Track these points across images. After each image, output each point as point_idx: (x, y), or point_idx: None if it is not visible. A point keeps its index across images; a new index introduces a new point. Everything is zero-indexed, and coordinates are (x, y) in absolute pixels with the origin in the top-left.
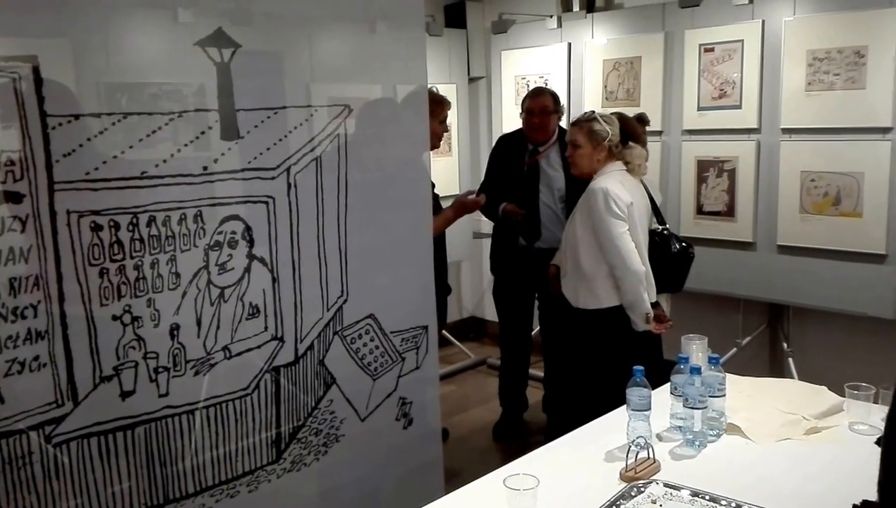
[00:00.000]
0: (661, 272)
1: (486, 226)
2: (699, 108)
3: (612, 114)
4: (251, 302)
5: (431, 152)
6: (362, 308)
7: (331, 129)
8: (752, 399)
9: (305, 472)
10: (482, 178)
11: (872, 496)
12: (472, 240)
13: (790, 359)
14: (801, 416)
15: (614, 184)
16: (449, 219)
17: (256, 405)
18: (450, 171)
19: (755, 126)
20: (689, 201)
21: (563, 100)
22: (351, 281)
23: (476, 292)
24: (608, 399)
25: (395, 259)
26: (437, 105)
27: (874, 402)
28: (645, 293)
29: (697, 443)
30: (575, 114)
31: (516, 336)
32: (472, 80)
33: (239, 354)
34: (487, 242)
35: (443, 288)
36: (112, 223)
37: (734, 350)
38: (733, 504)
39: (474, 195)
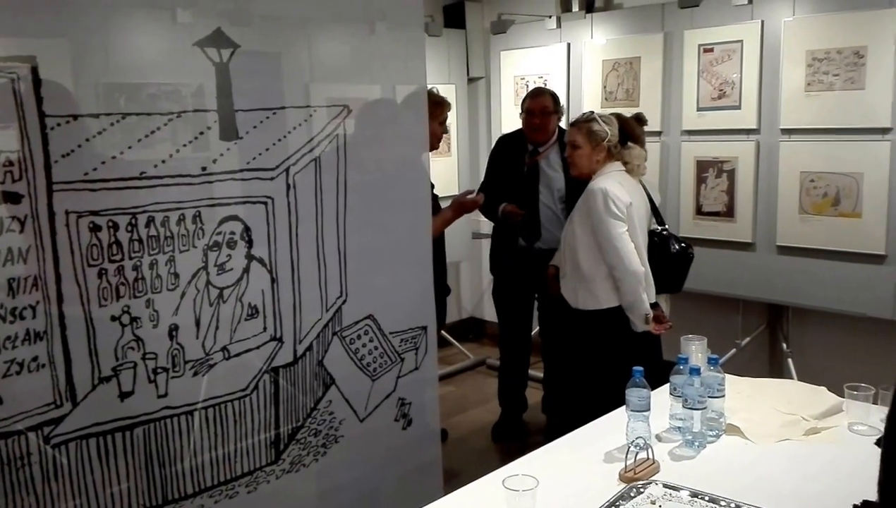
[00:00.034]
0: (661, 272)
1: (486, 226)
2: (698, 109)
3: (610, 114)
4: (250, 302)
5: (430, 153)
6: (361, 308)
7: (330, 130)
8: (751, 399)
9: (304, 473)
10: (481, 179)
11: (872, 496)
12: (471, 240)
13: (789, 360)
14: (800, 417)
15: (613, 185)
16: (448, 220)
17: (255, 406)
18: (449, 172)
19: (754, 126)
20: (688, 201)
21: (563, 101)
22: (350, 281)
23: (475, 293)
24: (607, 399)
25: (394, 259)
26: (437, 106)
27: (873, 403)
28: (644, 294)
29: (697, 444)
30: (574, 115)
31: (516, 336)
32: (471, 80)
33: (238, 355)
34: (486, 243)
35: (442, 289)
36: (111, 223)
37: (733, 350)
38: (733, 505)
39: (473, 194)
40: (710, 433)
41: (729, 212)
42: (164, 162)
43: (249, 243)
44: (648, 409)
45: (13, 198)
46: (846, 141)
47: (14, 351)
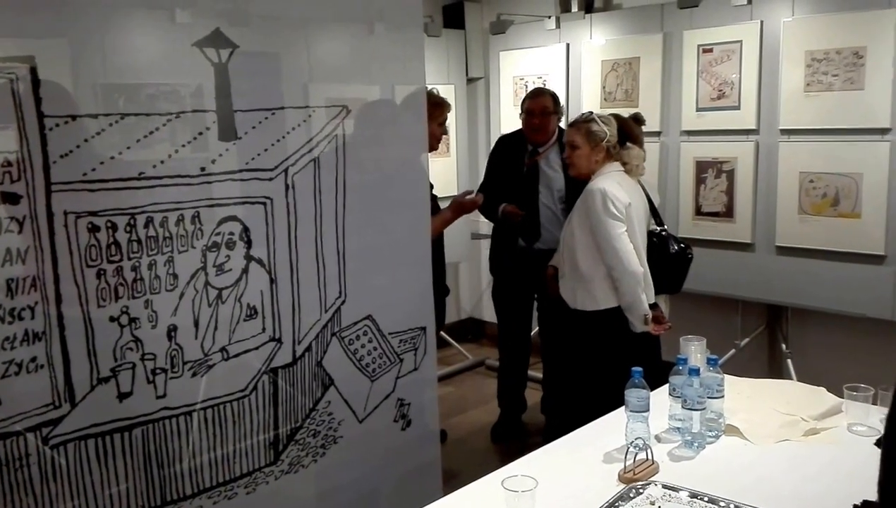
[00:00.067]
0: (660, 273)
1: (485, 226)
2: (698, 109)
3: (609, 115)
4: (249, 303)
5: (430, 153)
6: (360, 309)
7: (329, 130)
8: (750, 400)
9: (303, 474)
10: (480, 179)
11: (871, 497)
12: (470, 241)
13: (789, 360)
14: (799, 417)
15: (612, 185)
16: (447, 220)
17: (254, 406)
18: (448, 172)
19: (754, 127)
20: (687, 202)
21: (562, 101)
22: (349, 282)
23: (474, 293)
24: (607, 400)
25: (393, 260)
26: (437, 107)
27: (873, 403)
28: (643, 294)
29: (696, 445)
30: (573, 116)
31: (515, 337)
32: (470, 80)
33: (237, 355)
34: (485, 243)
35: (441, 290)
36: (109, 224)
37: (733, 351)
38: (732, 506)
39: (472, 195)
40: (710, 433)
41: (728, 213)
42: (162, 162)
43: (248, 244)
44: (647, 410)
45: (12, 199)
46: (845, 141)
47: (12, 352)
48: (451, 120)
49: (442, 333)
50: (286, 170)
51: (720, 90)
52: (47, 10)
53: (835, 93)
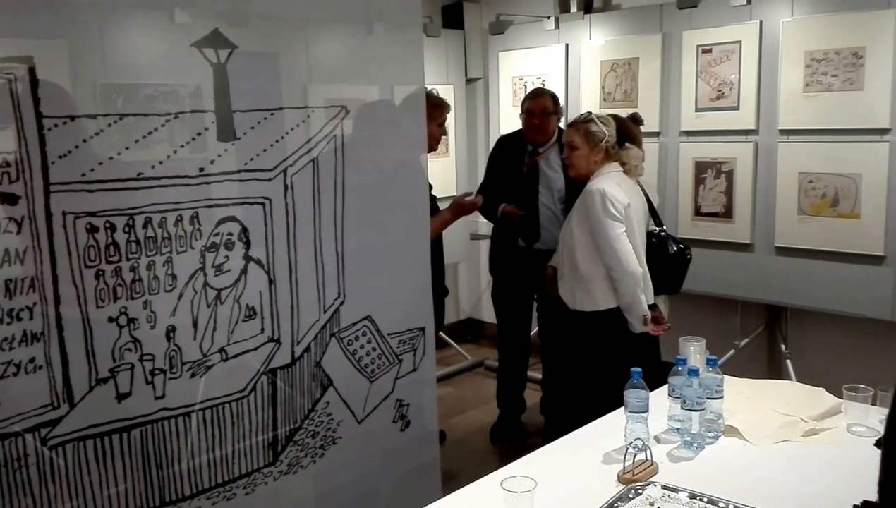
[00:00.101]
0: (658, 274)
1: (484, 227)
2: (697, 109)
3: (607, 115)
4: (248, 303)
5: (429, 154)
6: (359, 309)
7: (328, 131)
8: (749, 400)
9: (302, 474)
10: (480, 179)
11: (871, 497)
12: (469, 241)
13: (788, 361)
14: (799, 418)
15: (611, 186)
16: (446, 221)
17: (253, 407)
18: (447, 172)
19: (753, 127)
20: (686, 202)
21: (561, 102)
22: (348, 282)
23: (473, 294)
24: (606, 401)
25: (392, 260)
26: (436, 108)
27: (872, 404)
28: (642, 295)
29: (695, 445)
30: (572, 116)
31: (515, 337)
32: (469, 81)
33: (235, 356)
34: (484, 244)
35: (440, 290)
36: (108, 225)
37: (732, 351)
38: (731, 507)
39: (472, 197)
40: (709, 434)
41: (727, 213)
42: (161, 163)
43: (247, 244)
44: (647, 410)
45: (10, 199)
46: (845, 141)
47: (11, 353)
48: (450, 120)
49: (441, 334)
50: (285, 171)
51: (719, 90)
52: (46, 10)
53: (834, 94)
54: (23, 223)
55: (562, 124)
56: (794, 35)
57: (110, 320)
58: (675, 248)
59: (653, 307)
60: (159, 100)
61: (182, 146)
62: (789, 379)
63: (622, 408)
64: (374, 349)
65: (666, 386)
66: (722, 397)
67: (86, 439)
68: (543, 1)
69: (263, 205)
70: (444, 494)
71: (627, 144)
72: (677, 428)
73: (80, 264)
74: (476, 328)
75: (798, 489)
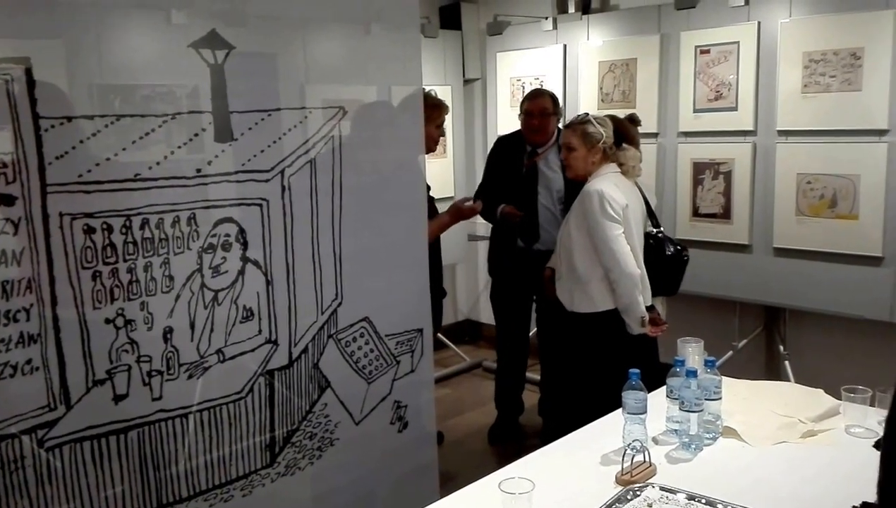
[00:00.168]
0: (656, 275)
1: (482, 228)
2: (695, 110)
3: (605, 116)
4: (245, 305)
5: (427, 155)
6: (357, 311)
7: (325, 131)
8: (748, 402)
9: (300, 476)
10: (477, 180)
11: (869, 499)
12: (467, 242)
13: (786, 362)
14: (797, 419)
15: (609, 187)
16: (445, 225)
17: (250, 409)
18: (445, 173)
19: (751, 128)
20: (684, 203)
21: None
22: (345, 284)
23: (471, 295)
24: (604, 402)
25: (389, 262)
26: (435, 109)
27: (871, 405)
28: (640, 296)
29: (693, 446)
30: (570, 117)
31: (513, 338)
32: (467, 81)
33: (233, 357)
34: (482, 245)
35: (438, 291)
36: (105, 226)
37: (730, 353)
38: None
39: (471, 202)
40: (707, 435)
41: (725, 214)
42: (158, 164)
43: (244, 245)
44: (645, 412)
45: (7, 201)
46: (843, 142)
47: (8, 354)
48: (448, 121)
49: (439, 335)
50: (282, 172)
51: (717, 91)
52: (43, 10)
53: (832, 95)
54: (19, 224)
55: (561, 125)
56: (793, 36)
57: (107, 321)
58: (672, 250)
59: (650, 308)
60: (156, 100)
61: (179, 147)
62: (787, 380)
63: (620, 410)
64: (371, 350)
65: (664, 388)
66: (720, 398)
67: (83, 440)
68: (541, 1)
69: (261, 206)
70: (442, 495)
71: (625, 145)
72: (675, 430)
73: (76, 265)
74: (474, 329)
75: (796, 490)
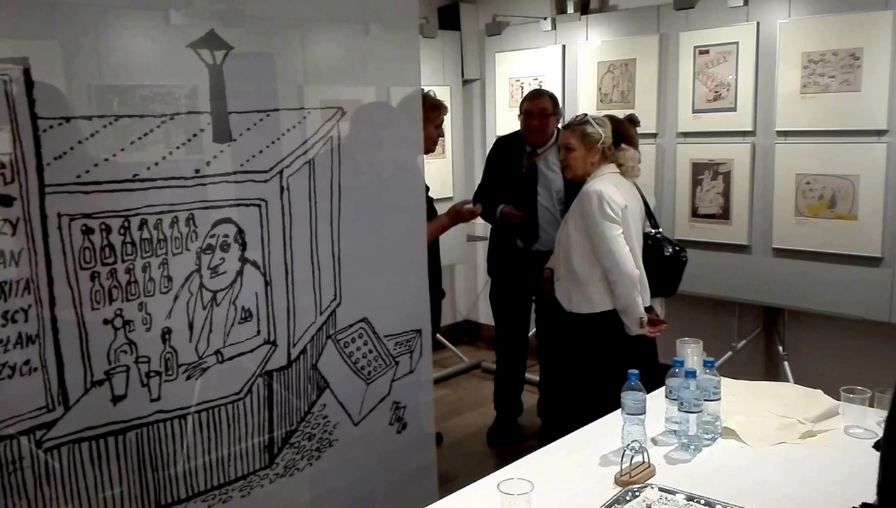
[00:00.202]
0: (654, 276)
1: (480, 229)
2: (694, 111)
3: (603, 116)
4: (243, 305)
5: (425, 155)
6: (356, 312)
7: (324, 132)
8: (747, 402)
9: (298, 477)
10: (476, 181)
11: (869, 500)
12: (465, 243)
13: (786, 363)
14: (796, 420)
15: (609, 187)
16: (444, 226)
17: (249, 409)
18: (443, 174)
19: (750, 128)
20: (683, 204)
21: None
22: (344, 284)
23: (470, 295)
24: (603, 403)
25: (388, 262)
26: (433, 110)
27: (870, 406)
28: (639, 297)
29: (692, 447)
30: (569, 117)
31: (512, 339)
32: (465, 82)
33: (231, 358)
34: (481, 245)
35: (437, 292)
36: (103, 226)
37: (729, 353)
38: None
39: (471, 205)
40: (706, 436)
41: (724, 215)
42: (157, 164)
43: (243, 246)
44: (644, 412)
45: (5, 201)
46: (842, 143)
47: (6, 355)
48: (446, 122)
49: (437, 336)
50: (281, 172)
51: (716, 92)
52: (41, 11)
53: (831, 95)
54: (18, 225)
55: (560, 125)
56: (792, 36)
57: (105, 322)
58: (671, 250)
59: (649, 309)
60: (155, 101)
61: (178, 147)
62: (786, 380)
63: (619, 410)
64: (370, 351)
65: (663, 388)
66: (719, 399)
67: (81, 441)
68: (540, 2)
69: (259, 206)
70: (441, 496)
71: (624, 145)
72: (674, 430)
73: (75, 266)
74: (473, 330)
75: (796, 491)
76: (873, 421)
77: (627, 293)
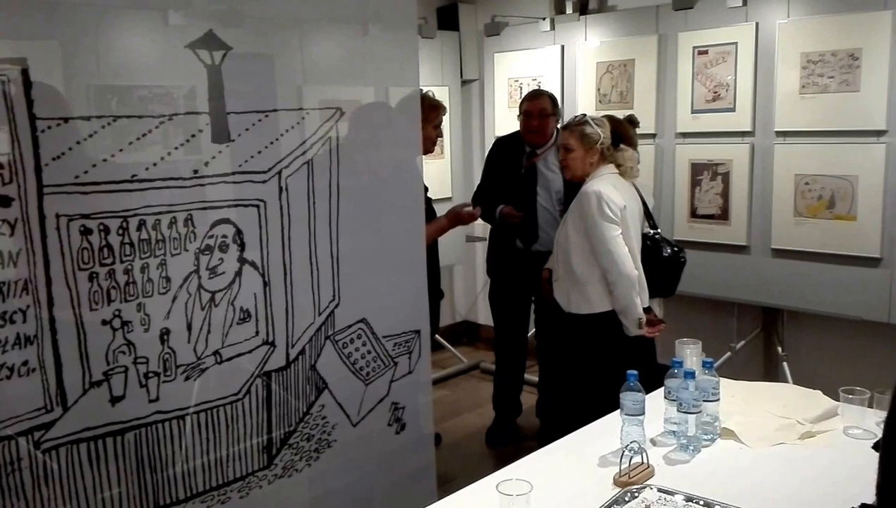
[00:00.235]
0: (653, 277)
1: (479, 229)
2: (693, 111)
3: (602, 116)
4: (242, 306)
5: (424, 156)
6: (354, 312)
7: (322, 132)
8: (746, 403)
9: (297, 478)
10: (475, 181)
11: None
12: (464, 243)
13: (784, 363)
14: (795, 420)
15: (608, 188)
16: (443, 228)
17: (247, 410)
18: (442, 174)
19: (749, 129)
20: (682, 204)
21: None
22: (343, 285)
23: (469, 296)
24: (602, 403)
25: (387, 263)
26: (433, 110)
27: (869, 406)
28: (637, 298)
29: (691, 448)
30: (568, 118)
31: (511, 339)
32: (464, 82)
33: (230, 359)
34: (480, 246)
35: (435, 293)
36: (102, 227)
37: (728, 354)
38: None
39: (471, 207)
40: (705, 437)
41: (723, 215)
42: (155, 165)
43: (241, 246)
44: (643, 413)
45: (3, 202)
46: (841, 143)
47: (4, 356)
48: (445, 122)
49: (436, 336)
50: (280, 173)
51: (715, 92)
52: (39, 11)
53: (830, 95)
54: (16, 225)
55: (559, 126)
56: (791, 36)
57: (104, 323)
58: (669, 251)
59: (647, 310)
60: (153, 101)
61: (176, 148)
62: (785, 381)
63: (618, 411)
64: (369, 352)
65: (662, 389)
66: (718, 399)
67: (79, 442)
68: (539, 2)
69: (258, 207)
70: (440, 497)
71: (623, 146)
72: (673, 431)
73: (73, 266)
74: (472, 330)
75: (795, 492)
76: (872, 421)
77: (626, 293)
